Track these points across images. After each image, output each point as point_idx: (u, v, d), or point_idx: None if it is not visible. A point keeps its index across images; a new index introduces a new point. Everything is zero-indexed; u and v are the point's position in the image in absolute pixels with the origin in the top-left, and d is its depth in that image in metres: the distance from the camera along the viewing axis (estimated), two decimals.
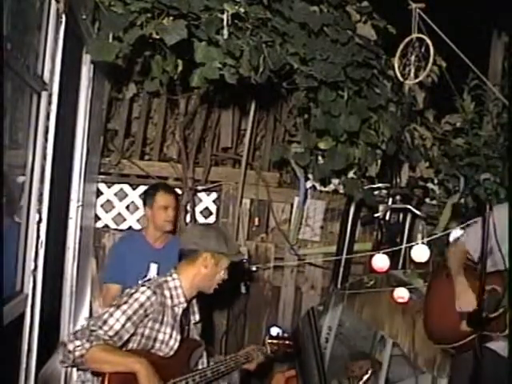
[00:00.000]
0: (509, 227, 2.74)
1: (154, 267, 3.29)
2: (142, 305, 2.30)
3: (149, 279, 3.20)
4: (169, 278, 2.45)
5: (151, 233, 3.37)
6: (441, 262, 3.21)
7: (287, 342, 2.91)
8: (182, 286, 2.44)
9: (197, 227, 2.80)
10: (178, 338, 2.40)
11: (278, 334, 2.89)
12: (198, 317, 2.59)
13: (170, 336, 2.38)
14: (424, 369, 3.81)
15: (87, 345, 2.16)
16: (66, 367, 2.70)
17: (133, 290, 2.36)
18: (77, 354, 2.16)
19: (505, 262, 2.68)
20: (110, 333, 2.22)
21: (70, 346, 2.17)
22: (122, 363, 2.20)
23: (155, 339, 2.35)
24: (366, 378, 3.65)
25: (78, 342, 2.17)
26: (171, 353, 2.38)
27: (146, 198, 3.38)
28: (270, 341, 2.86)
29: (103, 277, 3.48)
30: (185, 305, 2.45)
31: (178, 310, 2.43)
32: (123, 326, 2.25)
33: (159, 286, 2.39)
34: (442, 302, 2.97)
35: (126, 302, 2.29)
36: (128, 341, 2.31)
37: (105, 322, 2.24)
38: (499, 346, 2.76)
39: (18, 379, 2.20)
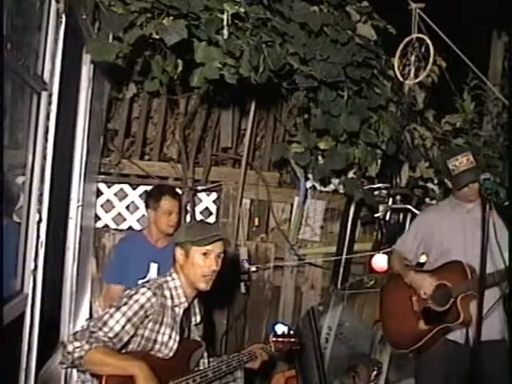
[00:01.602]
0: (509, 227, 2.75)
1: (154, 267, 3.29)
2: (142, 306, 2.29)
3: (148, 280, 3.21)
4: (169, 278, 2.44)
5: (153, 233, 3.37)
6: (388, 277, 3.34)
7: (292, 340, 2.84)
8: (182, 285, 2.43)
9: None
10: (178, 339, 2.38)
11: (284, 332, 2.85)
12: (199, 318, 2.57)
13: (170, 337, 2.36)
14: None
15: (86, 346, 2.14)
16: (66, 368, 2.70)
17: (133, 292, 2.33)
18: (76, 355, 2.14)
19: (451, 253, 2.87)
20: (110, 334, 2.21)
21: (70, 347, 2.15)
22: (120, 366, 2.18)
23: (155, 341, 2.34)
24: (372, 378, 3.65)
25: (77, 344, 2.15)
26: (171, 354, 2.37)
27: (150, 200, 3.36)
28: (274, 339, 2.80)
29: (104, 276, 3.48)
30: (186, 304, 2.43)
31: (179, 311, 2.42)
32: (123, 327, 2.24)
33: (159, 287, 2.38)
34: (396, 309, 3.08)
35: (125, 304, 2.28)
36: (128, 342, 2.30)
37: (105, 324, 2.22)
38: (457, 335, 2.87)
39: (17, 379, 2.20)
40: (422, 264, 3.17)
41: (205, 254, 2.40)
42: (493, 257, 2.71)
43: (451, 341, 2.88)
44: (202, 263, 2.39)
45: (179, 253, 2.43)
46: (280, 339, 2.80)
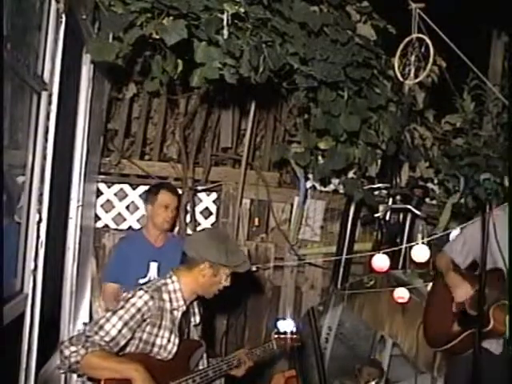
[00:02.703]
0: (509, 228, 2.75)
1: (154, 266, 3.30)
2: (139, 310, 2.27)
3: (146, 282, 3.20)
4: (168, 281, 2.42)
5: (151, 232, 3.37)
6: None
7: (294, 337, 2.82)
8: (182, 289, 2.41)
9: (201, 234, 2.70)
10: (177, 341, 2.37)
11: (286, 329, 2.83)
12: (198, 319, 2.56)
13: (168, 340, 2.35)
14: (424, 369, 3.81)
15: (83, 351, 2.13)
16: (63, 373, 2.70)
17: (130, 295, 2.32)
18: (72, 360, 2.13)
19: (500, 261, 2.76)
20: (107, 338, 2.19)
21: (66, 352, 2.14)
22: (117, 370, 2.17)
23: (153, 344, 2.33)
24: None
25: (73, 348, 2.14)
26: (170, 357, 2.36)
27: (149, 195, 3.38)
28: (276, 336, 2.78)
29: (103, 276, 3.48)
30: (184, 308, 2.42)
31: (178, 314, 2.40)
32: (120, 331, 2.22)
33: (157, 290, 2.36)
34: (437, 307, 3.06)
35: (122, 307, 2.26)
36: (126, 345, 2.29)
37: (101, 328, 2.21)
38: (492, 345, 2.82)
39: (17, 379, 2.20)
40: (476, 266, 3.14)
41: (228, 275, 2.45)
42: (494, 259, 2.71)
43: (486, 349, 2.80)
44: (223, 282, 2.44)
45: (207, 271, 2.40)
46: (282, 336, 2.79)
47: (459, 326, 2.89)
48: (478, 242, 2.89)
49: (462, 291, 2.89)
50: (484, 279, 2.38)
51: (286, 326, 2.83)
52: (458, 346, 2.89)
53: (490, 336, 2.77)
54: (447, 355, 3.16)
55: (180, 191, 3.82)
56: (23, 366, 2.23)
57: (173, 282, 2.41)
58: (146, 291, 2.32)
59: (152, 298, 2.31)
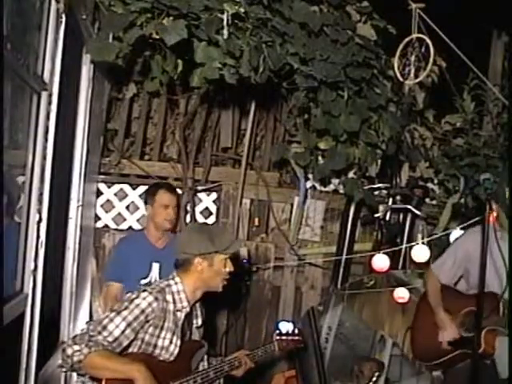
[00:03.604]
0: (509, 228, 2.75)
1: (156, 267, 3.29)
2: (142, 311, 2.27)
3: (148, 283, 3.20)
4: (171, 282, 2.42)
5: (152, 232, 3.37)
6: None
7: (296, 338, 2.82)
8: (185, 290, 2.41)
9: (183, 234, 2.73)
10: (179, 343, 2.37)
11: (288, 330, 2.82)
12: (200, 321, 2.56)
13: (170, 342, 2.35)
14: (424, 369, 3.80)
15: (85, 350, 2.13)
16: (65, 372, 2.69)
17: (134, 295, 2.31)
18: (75, 359, 2.13)
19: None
20: (109, 338, 2.20)
21: (69, 351, 2.14)
22: (120, 370, 2.17)
23: (155, 345, 2.33)
24: (374, 379, 3.65)
25: (76, 347, 2.14)
26: (171, 358, 2.36)
27: (148, 196, 3.38)
28: (278, 337, 2.77)
29: (105, 275, 3.48)
30: (188, 309, 2.42)
31: (181, 315, 2.40)
32: (123, 332, 2.22)
33: (161, 291, 2.35)
34: (426, 323, 3.12)
35: (126, 308, 2.26)
36: (128, 346, 2.29)
37: (104, 328, 2.21)
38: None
39: (18, 379, 2.20)
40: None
41: (225, 259, 2.44)
42: (496, 268, 2.73)
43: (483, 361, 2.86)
44: (224, 269, 2.44)
45: (203, 264, 2.40)
46: (284, 337, 2.78)
47: (449, 345, 2.98)
48: (468, 260, 2.97)
49: (450, 333, 2.98)
50: (484, 282, 2.39)
51: (288, 327, 2.82)
52: (447, 362, 3.00)
53: (479, 358, 2.78)
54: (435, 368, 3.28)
55: (180, 191, 3.83)
56: (23, 365, 2.23)
57: (176, 284, 2.41)
58: (151, 292, 2.32)
59: (156, 299, 2.31)
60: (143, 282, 3.21)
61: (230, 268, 2.46)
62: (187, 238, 2.48)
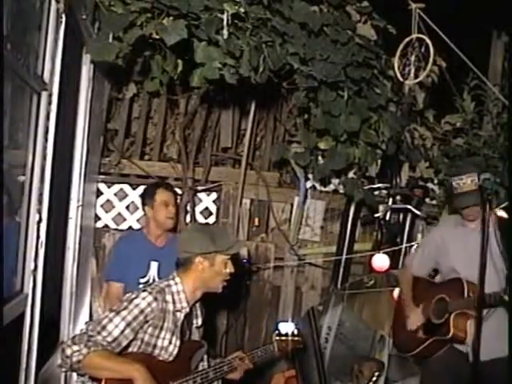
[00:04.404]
0: (509, 228, 2.76)
1: (154, 266, 3.29)
2: (142, 311, 2.27)
3: (148, 281, 3.20)
4: (171, 282, 2.41)
5: (152, 231, 3.36)
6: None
7: (296, 339, 2.80)
8: (185, 290, 2.40)
9: (184, 233, 2.74)
10: (178, 343, 2.37)
11: (287, 331, 2.81)
12: (200, 321, 2.56)
13: (170, 342, 2.35)
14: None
15: (85, 350, 2.13)
16: (65, 372, 2.69)
17: (133, 295, 2.31)
18: (74, 359, 2.13)
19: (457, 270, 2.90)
20: (109, 339, 2.19)
21: (68, 351, 2.14)
22: (119, 370, 2.17)
23: (154, 346, 2.32)
24: (374, 379, 3.65)
25: (75, 347, 2.14)
26: (171, 358, 2.35)
27: (146, 197, 3.37)
28: (277, 338, 2.76)
29: (105, 275, 3.48)
30: (187, 309, 2.41)
31: (180, 315, 2.40)
32: (122, 332, 2.22)
33: (161, 292, 2.35)
34: (403, 317, 3.16)
35: (125, 308, 2.26)
36: (128, 346, 2.29)
37: (103, 328, 2.21)
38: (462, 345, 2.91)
39: (17, 379, 2.20)
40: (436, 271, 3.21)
41: (226, 260, 2.44)
42: (496, 269, 2.74)
43: (456, 349, 2.91)
44: (225, 269, 2.44)
45: (204, 264, 2.40)
46: (283, 338, 2.78)
47: (424, 334, 3.01)
48: (438, 252, 3.04)
49: (413, 320, 3.04)
50: (483, 284, 2.42)
51: (288, 328, 2.82)
52: (424, 352, 3.02)
53: (452, 342, 2.89)
54: (417, 359, 3.31)
55: (180, 191, 3.83)
56: (23, 366, 2.23)
57: (176, 284, 2.41)
58: (150, 292, 2.32)
59: (156, 299, 2.31)
60: (142, 280, 3.21)
61: (230, 269, 2.45)
62: (189, 237, 2.48)
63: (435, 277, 3.20)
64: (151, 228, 3.36)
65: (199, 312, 2.56)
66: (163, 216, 3.29)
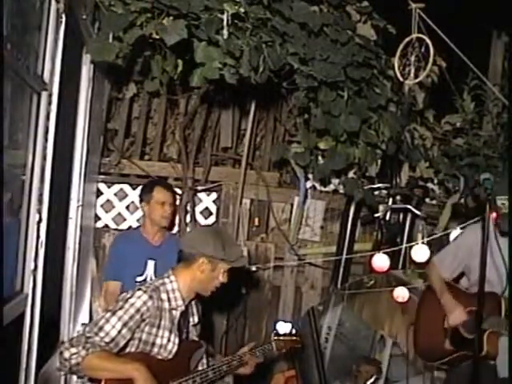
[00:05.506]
0: (509, 227, 2.75)
1: (151, 264, 3.29)
2: (138, 310, 2.27)
3: (145, 279, 3.21)
4: (166, 280, 2.42)
5: (148, 229, 3.36)
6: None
7: (294, 338, 2.81)
8: (180, 288, 2.41)
9: (197, 230, 2.78)
10: (177, 341, 2.37)
11: (286, 331, 2.81)
12: (196, 318, 2.56)
13: (168, 340, 2.35)
14: (423, 368, 3.81)
15: (83, 352, 2.12)
16: (64, 375, 2.69)
17: (128, 295, 2.31)
18: (73, 361, 2.13)
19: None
20: (106, 339, 2.19)
21: (66, 354, 2.14)
22: (118, 370, 2.17)
23: (153, 344, 2.33)
24: (370, 382, 3.65)
25: (73, 350, 2.13)
26: (170, 356, 2.36)
27: (143, 193, 3.37)
28: (276, 338, 2.76)
29: (104, 274, 3.48)
30: (183, 307, 2.42)
31: (176, 313, 2.40)
32: (119, 332, 2.22)
33: (156, 290, 2.36)
34: (429, 320, 3.08)
35: (121, 308, 2.26)
36: (126, 345, 2.29)
37: (100, 329, 2.21)
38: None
39: (18, 379, 2.20)
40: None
41: (226, 270, 2.44)
42: (499, 273, 2.72)
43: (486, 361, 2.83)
44: (221, 278, 2.44)
45: (206, 266, 2.40)
46: (282, 338, 2.78)
47: (451, 345, 2.94)
48: (469, 257, 2.91)
49: (456, 317, 2.91)
50: (483, 280, 2.37)
51: (286, 327, 2.82)
52: (450, 362, 2.95)
53: (482, 360, 2.74)
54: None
55: (180, 191, 3.83)
56: (23, 366, 2.23)
57: (171, 282, 2.41)
58: (145, 291, 2.32)
59: (151, 297, 2.31)
60: (139, 279, 3.22)
61: (224, 280, 2.46)
62: (201, 236, 2.47)
63: (459, 281, 3.13)
64: (147, 226, 3.37)
65: (195, 310, 2.57)
66: (158, 214, 3.29)
